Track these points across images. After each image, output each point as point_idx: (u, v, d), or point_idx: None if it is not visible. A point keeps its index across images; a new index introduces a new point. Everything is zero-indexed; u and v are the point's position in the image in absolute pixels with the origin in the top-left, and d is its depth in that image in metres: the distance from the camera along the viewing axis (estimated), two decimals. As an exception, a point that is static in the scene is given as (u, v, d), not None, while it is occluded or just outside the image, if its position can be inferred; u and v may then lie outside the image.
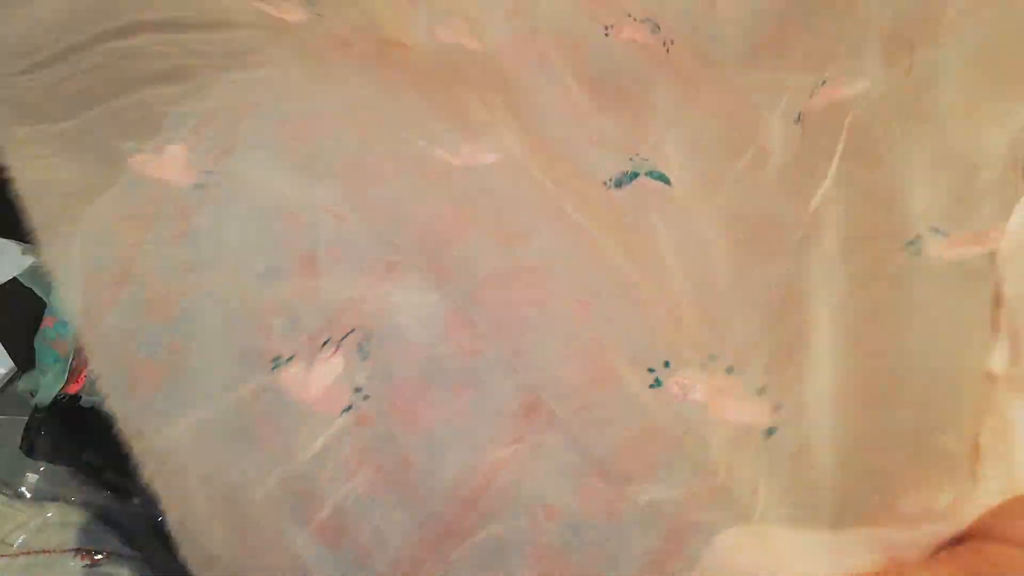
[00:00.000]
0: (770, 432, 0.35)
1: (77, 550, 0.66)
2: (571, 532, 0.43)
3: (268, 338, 0.52)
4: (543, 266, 0.47)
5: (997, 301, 0.31)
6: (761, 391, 0.37)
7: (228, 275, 0.52)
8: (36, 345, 0.58)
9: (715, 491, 0.37)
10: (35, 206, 0.43)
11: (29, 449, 0.65)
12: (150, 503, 0.65)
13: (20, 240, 1.02)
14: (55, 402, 0.56)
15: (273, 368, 0.52)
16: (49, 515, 0.68)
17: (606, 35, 0.50)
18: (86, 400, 0.55)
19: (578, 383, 0.43)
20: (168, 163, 0.51)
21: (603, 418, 0.42)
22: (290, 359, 0.53)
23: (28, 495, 0.71)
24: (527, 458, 0.45)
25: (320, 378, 0.52)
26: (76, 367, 0.55)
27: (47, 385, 0.57)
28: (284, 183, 0.54)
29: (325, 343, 0.54)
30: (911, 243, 0.33)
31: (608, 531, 0.42)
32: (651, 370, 0.41)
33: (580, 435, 0.42)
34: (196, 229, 0.53)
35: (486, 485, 0.45)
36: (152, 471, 0.41)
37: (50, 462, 0.69)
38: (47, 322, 0.59)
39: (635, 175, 0.46)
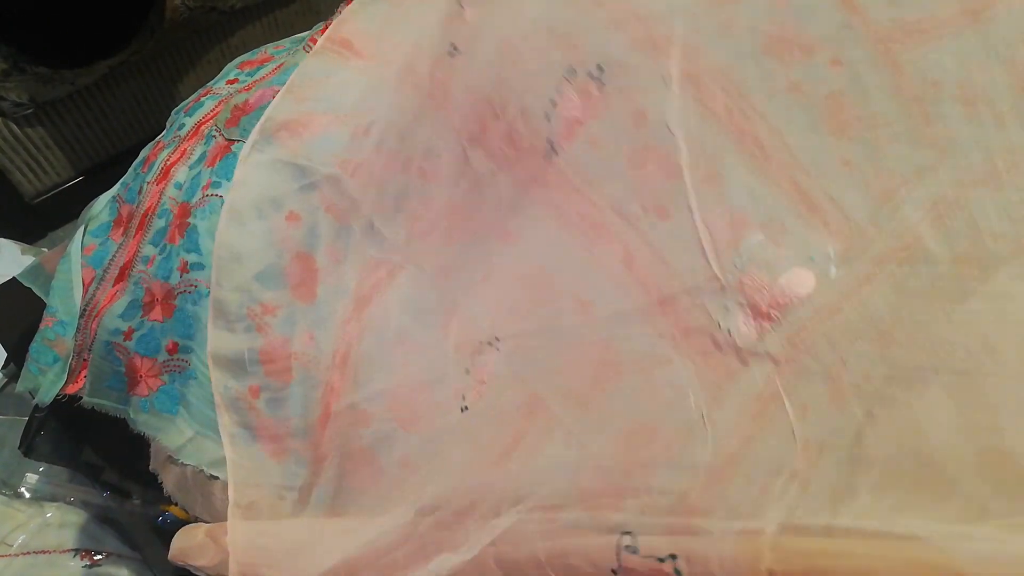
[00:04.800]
0: None
1: (77, 550, 0.66)
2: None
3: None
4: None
5: None
6: None
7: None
8: (34, 346, 0.58)
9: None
10: None
11: (28, 450, 0.65)
12: (149, 503, 0.65)
13: (20, 240, 1.02)
14: (55, 403, 0.56)
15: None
16: (49, 515, 0.68)
17: None
18: (85, 401, 0.54)
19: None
20: None
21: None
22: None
23: (28, 495, 0.71)
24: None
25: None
26: (75, 367, 0.55)
27: (47, 386, 0.57)
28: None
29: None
30: None
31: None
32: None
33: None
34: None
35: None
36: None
37: (49, 463, 0.69)
38: (46, 322, 0.58)
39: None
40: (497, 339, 0.47)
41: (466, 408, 0.47)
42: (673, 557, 0.35)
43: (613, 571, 0.36)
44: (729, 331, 0.39)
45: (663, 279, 0.43)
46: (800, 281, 0.37)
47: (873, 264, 0.36)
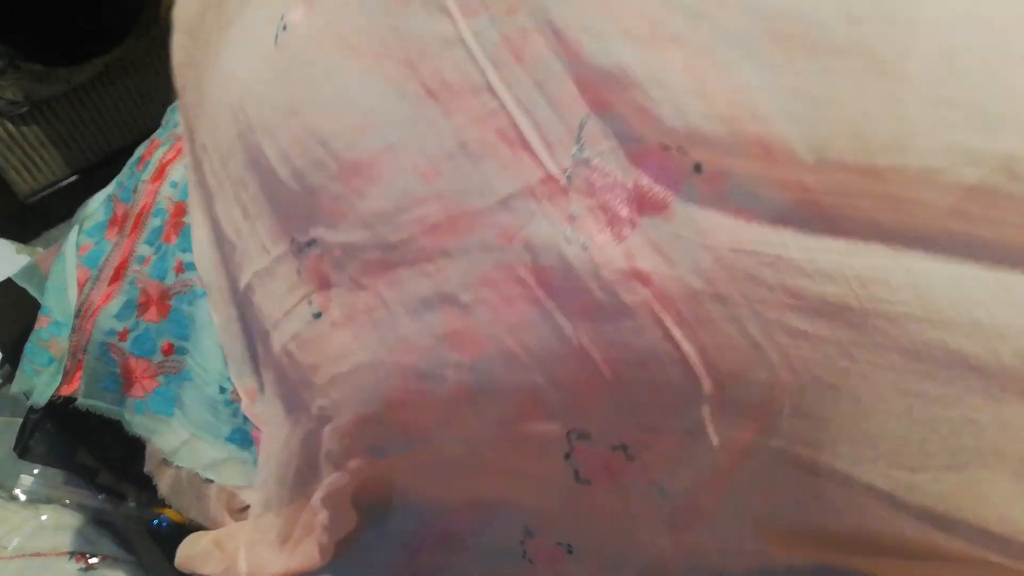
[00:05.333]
0: None
1: (72, 553, 0.65)
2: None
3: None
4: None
5: None
6: None
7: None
8: (29, 346, 0.57)
9: None
10: None
11: (23, 451, 0.64)
12: (144, 506, 0.64)
13: (16, 240, 1.01)
14: (50, 404, 0.56)
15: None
16: (44, 518, 0.68)
17: None
18: (80, 402, 0.54)
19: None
20: None
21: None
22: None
23: (22, 497, 0.70)
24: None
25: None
26: (70, 368, 0.55)
27: (42, 387, 0.56)
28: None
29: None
30: None
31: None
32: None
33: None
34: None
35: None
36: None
37: (44, 464, 0.69)
38: (41, 322, 0.58)
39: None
40: (314, 240, 0.39)
41: (319, 315, 0.39)
42: (624, 447, 0.33)
43: (566, 455, 0.34)
44: (584, 245, 0.28)
45: (467, 187, 0.30)
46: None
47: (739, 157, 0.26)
